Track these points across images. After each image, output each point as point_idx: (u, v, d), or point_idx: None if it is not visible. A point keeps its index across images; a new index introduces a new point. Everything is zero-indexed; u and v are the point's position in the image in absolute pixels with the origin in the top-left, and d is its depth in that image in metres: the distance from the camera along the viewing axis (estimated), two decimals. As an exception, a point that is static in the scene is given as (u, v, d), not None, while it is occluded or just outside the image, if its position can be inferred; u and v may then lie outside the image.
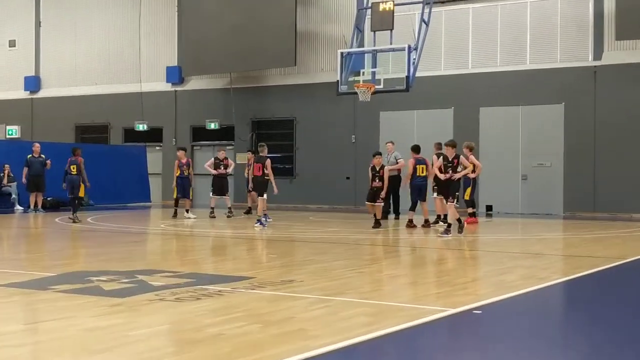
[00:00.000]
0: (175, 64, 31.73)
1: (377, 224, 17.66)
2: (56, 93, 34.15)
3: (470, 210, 19.51)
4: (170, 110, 31.64)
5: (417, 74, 22.92)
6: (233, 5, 29.14)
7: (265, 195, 17.98)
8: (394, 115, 26.87)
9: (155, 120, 31.49)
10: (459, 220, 15.99)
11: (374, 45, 23.45)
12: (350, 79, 23.49)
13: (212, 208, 21.66)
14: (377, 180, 17.59)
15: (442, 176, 15.92)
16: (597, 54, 24.59)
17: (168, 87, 31.90)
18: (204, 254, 13.65)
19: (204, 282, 8.75)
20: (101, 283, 8.65)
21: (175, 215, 21.21)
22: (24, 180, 23.88)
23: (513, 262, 11.61)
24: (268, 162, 17.94)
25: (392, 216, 21.12)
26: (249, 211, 22.36)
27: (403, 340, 6.19)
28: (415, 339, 6.29)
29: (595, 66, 24.50)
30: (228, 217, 21.36)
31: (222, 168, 21.72)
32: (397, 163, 20.56)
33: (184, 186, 21.26)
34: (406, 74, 22.26)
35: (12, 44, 35.52)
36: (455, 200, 15.82)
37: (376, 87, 22.57)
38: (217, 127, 30.27)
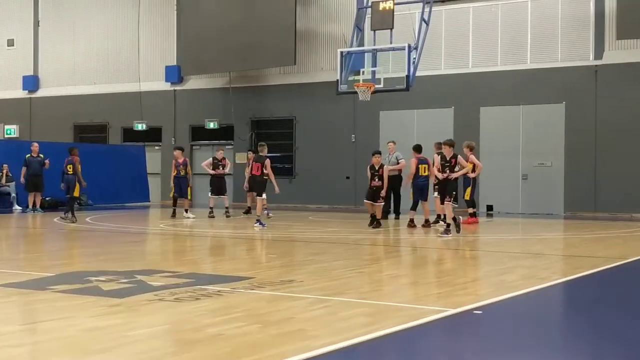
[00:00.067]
0: (174, 63, 31.66)
1: (377, 224, 17.58)
2: (55, 92, 34.08)
3: (470, 210, 19.45)
4: (169, 110, 31.56)
5: (417, 73, 22.85)
6: (232, 4, 29.07)
7: (264, 195, 17.96)
8: (394, 115, 26.80)
9: (154, 120, 31.42)
10: (454, 219, 15.92)
11: (374, 45, 23.43)
12: (350, 78, 23.45)
13: (211, 208, 21.61)
14: (377, 180, 17.52)
15: (439, 175, 15.86)
16: (598, 53, 24.52)
17: (167, 86, 31.83)
18: (203, 254, 13.61)
19: (203, 282, 8.72)
20: (100, 283, 8.63)
21: (174, 215, 21.19)
22: (22, 179, 23.83)
23: (513, 262, 11.58)
24: (267, 162, 17.88)
25: (392, 216, 21.07)
26: (248, 211, 22.29)
27: (403, 340, 6.17)
28: (415, 340, 6.27)
29: (596, 65, 24.43)
30: (227, 217, 21.31)
31: (221, 168, 21.69)
32: (398, 163, 20.61)
33: (180, 186, 21.26)
34: (406, 73, 22.20)
35: (10, 43, 35.45)
36: (453, 199, 15.75)
37: (376, 86, 22.52)
38: (216, 126, 30.21)
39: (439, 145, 17.94)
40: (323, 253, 12.82)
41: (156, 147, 31.92)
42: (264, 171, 17.82)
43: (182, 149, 22.09)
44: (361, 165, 23.73)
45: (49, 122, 33.38)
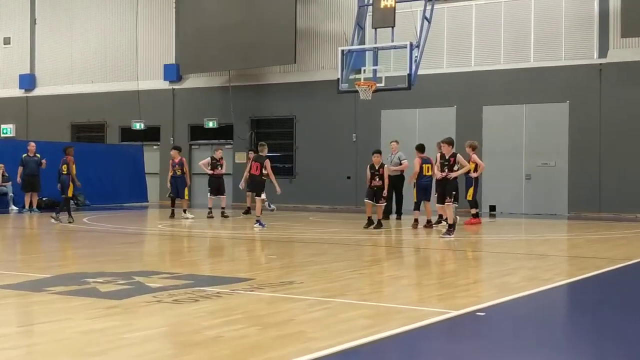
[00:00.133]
0: (173, 62, 31.50)
1: (378, 225, 17.44)
2: (52, 91, 33.92)
3: (473, 210, 19.41)
4: (168, 109, 31.43)
5: (419, 72, 22.71)
6: (232, 2, 28.97)
7: (263, 196, 17.87)
8: (395, 114, 26.66)
9: (152, 119, 31.28)
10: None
11: (375, 43, 23.31)
12: (351, 77, 23.38)
13: (210, 208, 21.53)
14: (377, 179, 17.37)
15: (438, 175, 15.72)
16: (603, 52, 24.35)
17: (166, 85, 31.69)
18: (202, 255, 13.54)
19: (202, 284, 8.70)
20: (97, 285, 8.61)
21: (172, 215, 21.15)
22: (18, 179, 23.73)
23: (516, 263, 11.55)
24: (267, 162, 17.82)
25: (393, 216, 21.04)
26: (247, 211, 22.18)
27: (404, 343, 6.15)
28: (417, 342, 6.25)
29: (600, 64, 24.27)
30: (225, 217, 21.25)
31: (219, 168, 21.63)
32: (400, 163, 20.60)
33: (176, 186, 21.23)
34: (408, 71, 22.09)
35: (7, 41, 35.24)
36: (454, 199, 15.60)
37: (377, 85, 22.39)
38: (215, 125, 30.07)
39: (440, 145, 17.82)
40: (323, 254, 12.76)
41: (154, 147, 31.76)
42: (263, 172, 17.72)
43: (178, 149, 21.96)
44: (362, 165, 23.50)
45: (46, 122, 33.23)
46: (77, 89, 33.23)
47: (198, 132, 30.98)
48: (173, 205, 21.43)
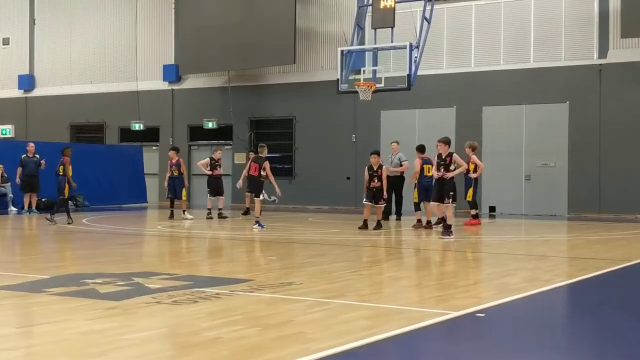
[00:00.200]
0: (172, 62, 31.43)
1: (377, 225, 17.39)
2: (51, 92, 33.85)
3: (473, 211, 19.37)
4: (167, 109, 31.37)
5: (419, 73, 22.70)
6: (231, 2, 28.92)
7: (261, 196, 17.88)
8: (395, 115, 26.61)
9: (151, 120, 31.22)
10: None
11: (375, 43, 23.31)
12: (351, 77, 23.37)
13: (209, 209, 21.45)
14: (376, 181, 17.31)
15: (435, 174, 15.65)
16: (603, 52, 24.31)
17: (165, 85, 31.64)
18: (201, 256, 13.48)
19: (202, 285, 8.68)
20: (97, 286, 8.59)
21: (171, 216, 21.10)
22: (17, 180, 23.66)
23: (516, 264, 11.51)
24: (267, 164, 17.82)
25: (393, 217, 21.01)
26: (247, 212, 22.13)
27: (404, 344, 6.14)
28: (416, 343, 6.23)
29: (600, 64, 24.23)
30: (224, 217, 21.25)
31: (219, 169, 21.60)
32: (401, 164, 20.57)
33: (174, 187, 21.21)
34: (407, 72, 22.08)
35: (6, 41, 35.18)
36: (452, 200, 15.55)
37: (377, 85, 22.39)
38: (214, 126, 30.01)
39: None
40: (323, 255, 12.72)
41: (154, 147, 31.69)
42: (262, 173, 17.72)
43: (176, 150, 21.94)
44: (362, 166, 23.34)
45: (45, 122, 33.15)
46: (76, 89, 33.15)
47: (197, 133, 30.91)
48: (172, 206, 21.42)
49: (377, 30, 23.15)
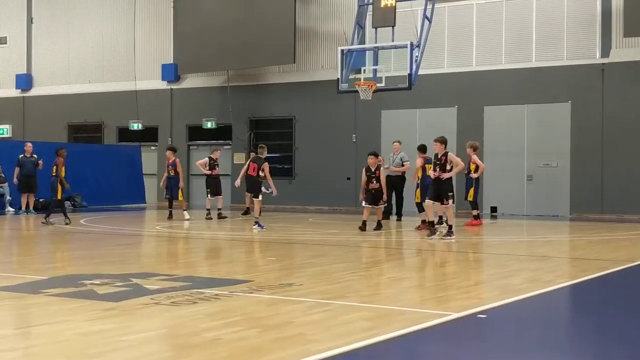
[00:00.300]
0: (171, 62, 31.30)
1: (377, 226, 17.31)
2: (48, 91, 33.72)
3: (474, 212, 19.34)
4: (166, 109, 31.26)
5: (420, 72, 22.59)
6: (230, 1, 28.83)
7: (260, 197, 17.88)
8: (395, 114, 26.50)
9: (150, 119, 31.11)
10: (432, 222, 15.81)
11: (376, 42, 23.22)
12: (351, 76, 23.32)
13: (208, 210, 21.39)
14: (375, 182, 17.17)
15: (432, 175, 15.60)
16: (605, 51, 24.18)
17: (163, 85, 31.51)
18: (200, 256, 13.54)
19: (201, 286, 8.70)
20: (95, 287, 8.60)
21: (170, 216, 21.03)
22: (15, 180, 23.60)
23: (518, 265, 11.50)
24: (266, 165, 17.85)
25: (393, 217, 21.02)
26: (246, 212, 22.07)
27: (405, 345, 6.14)
28: (417, 344, 6.24)
29: (602, 64, 24.10)
30: (223, 217, 21.24)
31: (217, 168, 21.61)
32: (402, 165, 20.56)
33: (170, 187, 21.18)
34: (408, 71, 21.99)
35: (3, 40, 35.05)
36: (452, 200, 15.47)
37: (377, 85, 22.30)
38: (214, 126, 29.89)
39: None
40: (323, 255, 12.69)
41: (152, 147, 31.58)
42: (260, 174, 17.72)
43: (173, 150, 21.84)
44: (362, 166, 23.28)
45: (43, 122, 33.05)
46: (74, 89, 33.04)
47: (196, 133, 30.80)
48: (170, 206, 21.38)
49: (378, 29, 23.05)
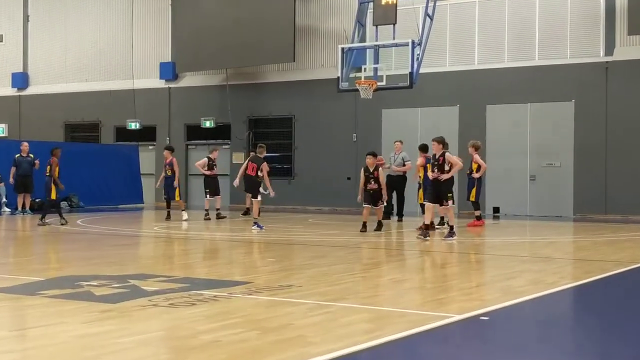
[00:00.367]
0: (169, 60, 31.16)
1: (378, 226, 17.19)
2: (45, 90, 33.58)
3: (477, 212, 19.30)
4: (164, 108, 31.13)
5: (421, 70, 22.49)
6: (229, -1, 28.67)
7: (259, 197, 17.85)
8: (396, 113, 26.36)
9: (148, 119, 30.98)
10: (431, 224, 15.82)
11: (376, 40, 23.10)
12: (352, 75, 23.30)
13: (207, 210, 21.31)
14: (373, 182, 17.02)
15: (430, 175, 15.55)
16: (609, 50, 24.04)
17: (161, 83, 31.36)
18: (198, 257, 13.54)
19: (199, 287, 8.69)
20: (92, 288, 8.60)
21: (168, 217, 20.93)
22: (11, 180, 23.51)
23: (521, 266, 11.47)
24: (265, 165, 17.90)
25: (394, 218, 20.98)
26: (247, 212, 21.97)
27: (406, 347, 6.13)
28: (419, 347, 6.23)
29: (606, 62, 23.93)
30: (222, 217, 21.21)
31: (215, 169, 21.59)
32: (404, 164, 20.56)
33: (166, 187, 21.12)
34: (409, 70, 21.93)
35: (-1, 39, 35.05)
36: (451, 201, 15.36)
37: (378, 83, 22.23)
38: (212, 125, 29.78)
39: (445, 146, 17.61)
40: (323, 257, 12.68)
41: (150, 147, 31.46)
42: (259, 174, 17.69)
43: (170, 149, 21.66)
44: (363, 166, 23.29)
45: (39, 121, 32.89)
46: (71, 87, 32.90)
47: (195, 132, 30.67)
48: (168, 207, 21.30)
49: (379, 27, 22.93)
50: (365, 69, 22.78)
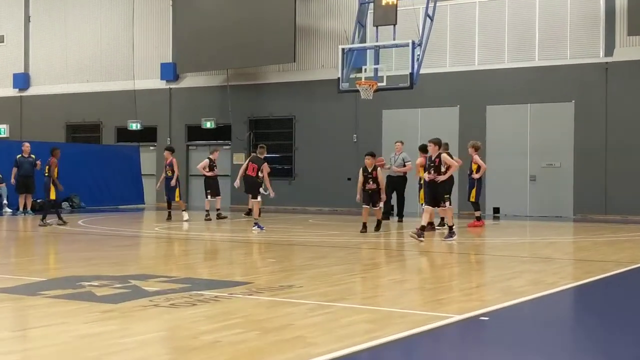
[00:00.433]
0: (170, 61, 31.18)
1: (377, 226, 17.18)
2: (46, 91, 33.60)
3: (477, 213, 19.27)
4: (165, 109, 31.13)
5: (422, 71, 22.44)
6: (230, -1, 28.66)
7: (259, 198, 17.83)
8: (397, 114, 26.36)
9: (149, 119, 30.99)
10: (430, 224, 15.79)
11: (377, 41, 23.10)
12: (352, 76, 23.21)
13: (207, 211, 21.29)
14: (372, 183, 16.99)
15: (426, 177, 15.48)
16: (609, 50, 24.05)
17: (162, 84, 31.37)
18: (199, 258, 13.50)
19: (200, 288, 8.66)
20: (93, 288, 8.57)
21: (169, 217, 20.91)
22: (12, 181, 23.51)
23: (521, 267, 11.45)
24: (265, 166, 17.86)
25: (394, 218, 20.95)
26: (249, 212, 21.84)
27: (406, 348, 6.13)
28: (419, 347, 6.24)
29: (606, 62, 23.94)
30: (223, 218, 21.21)
31: (215, 169, 21.56)
32: (404, 165, 20.50)
33: (166, 187, 21.09)
34: (410, 70, 21.89)
35: (0, 39, 34.97)
36: (448, 202, 15.33)
37: (379, 84, 22.20)
38: (213, 126, 29.76)
39: (445, 146, 17.67)
40: (323, 257, 12.65)
41: (151, 148, 31.47)
42: (259, 174, 17.66)
43: (170, 150, 21.66)
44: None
45: (41, 122, 32.91)
46: (72, 88, 32.91)
47: (195, 133, 30.66)
48: (169, 207, 21.28)
49: (379, 27, 22.94)
50: (365, 69, 22.72)
